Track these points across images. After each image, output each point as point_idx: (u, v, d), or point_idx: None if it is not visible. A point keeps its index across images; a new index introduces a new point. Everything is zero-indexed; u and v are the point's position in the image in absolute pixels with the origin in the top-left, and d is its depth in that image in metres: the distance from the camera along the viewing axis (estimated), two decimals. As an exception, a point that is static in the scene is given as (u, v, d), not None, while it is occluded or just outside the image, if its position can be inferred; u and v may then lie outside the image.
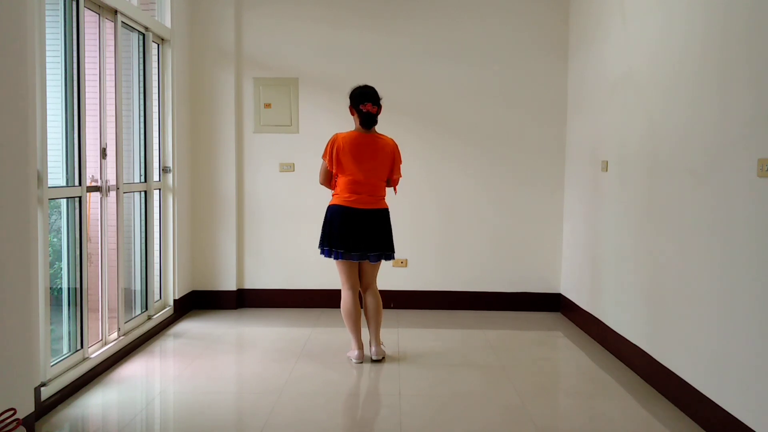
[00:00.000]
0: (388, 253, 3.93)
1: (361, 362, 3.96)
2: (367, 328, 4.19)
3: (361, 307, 4.07)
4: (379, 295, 4.08)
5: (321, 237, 3.93)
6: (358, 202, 3.85)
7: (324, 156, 3.93)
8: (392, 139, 4.01)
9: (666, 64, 3.51)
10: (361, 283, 4.03)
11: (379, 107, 3.90)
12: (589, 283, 4.68)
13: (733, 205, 2.82)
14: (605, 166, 4.36)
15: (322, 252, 3.91)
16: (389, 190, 4.11)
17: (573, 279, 5.06)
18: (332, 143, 3.91)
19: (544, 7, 5.26)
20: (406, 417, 3.14)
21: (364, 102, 3.86)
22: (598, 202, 4.51)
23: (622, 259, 4.05)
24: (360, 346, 3.98)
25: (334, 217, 3.87)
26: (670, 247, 3.41)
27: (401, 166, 4.03)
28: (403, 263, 5.36)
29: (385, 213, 3.95)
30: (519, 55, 5.28)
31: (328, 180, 3.99)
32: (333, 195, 3.96)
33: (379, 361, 3.99)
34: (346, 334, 4.49)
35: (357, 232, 3.84)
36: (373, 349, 4.00)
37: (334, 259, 3.89)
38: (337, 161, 3.87)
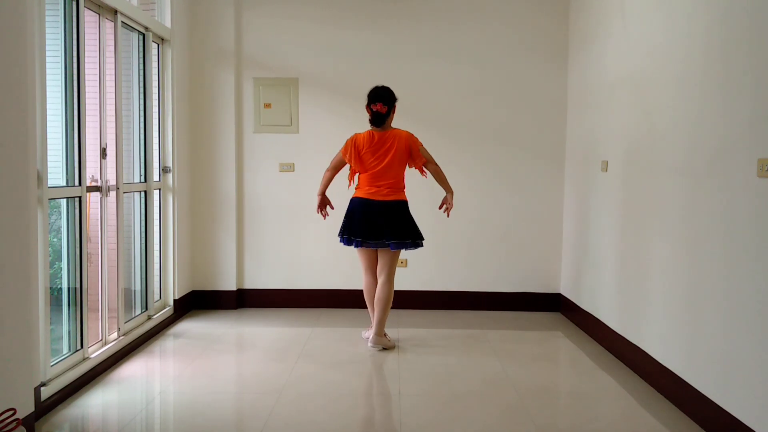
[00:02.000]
0: (406, 241, 4.14)
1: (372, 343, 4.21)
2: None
3: None
4: (390, 287, 4.25)
5: (341, 227, 4.25)
6: (378, 194, 4.15)
7: (342, 151, 4.25)
8: (406, 132, 4.24)
9: (666, 65, 3.51)
10: (377, 269, 4.30)
11: (390, 106, 4.19)
12: (589, 283, 4.68)
13: (733, 205, 2.82)
14: (605, 166, 4.36)
15: (342, 240, 4.22)
16: (414, 174, 4.36)
17: (573, 279, 5.06)
18: (353, 141, 4.22)
19: (543, 8, 5.26)
20: (406, 417, 3.14)
21: (375, 102, 4.16)
22: (598, 202, 4.51)
23: (622, 259, 4.05)
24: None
25: (356, 209, 4.19)
26: (669, 248, 3.41)
27: (423, 148, 4.22)
28: (403, 263, 5.36)
29: (402, 204, 4.21)
30: (519, 55, 5.28)
31: (333, 169, 4.32)
32: (356, 189, 4.28)
33: (380, 350, 4.21)
34: (346, 333, 4.54)
35: (375, 222, 4.12)
36: (372, 335, 4.25)
37: (354, 246, 4.19)
38: (357, 158, 4.19)
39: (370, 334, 4.28)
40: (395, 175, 4.17)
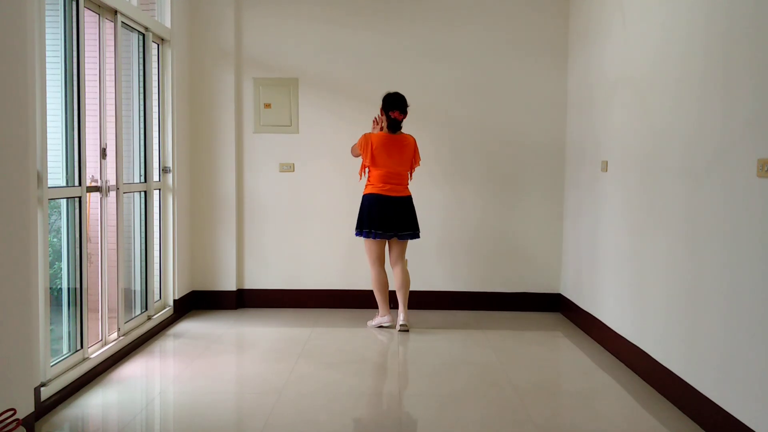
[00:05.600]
0: (415, 232, 4.69)
1: (393, 325, 4.71)
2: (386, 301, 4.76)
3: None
4: (407, 271, 4.74)
5: (358, 222, 4.66)
6: (392, 191, 4.61)
7: (359, 146, 4.68)
8: (412, 136, 4.74)
9: (666, 64, 3.51)
10: (391, 260, 4.75)
11: (405, 114, 4.65)
12: (589, 283, 4.68)
13: (733, 205, 2.82)
14: (605, 166, 4.36)
15: (360, 234, 4.63)
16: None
17: (573, 279, 5.06)
18: (367, 140, 4.64)
19: (543, 8, 5.26)
20: (406, 417, 3.14)
21: (393, 109, 4.59)
22: (598, 202, 4.51)
23: (622, 260, 4.05)
24: (389, 312, 4.72)
25: (372, 204, 4.59)
26: (669, 248, 3.41)
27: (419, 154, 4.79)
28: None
29: (410, 199, 4.72)
30: (519, 55, 5.28)
31: (356, 155, 4.82)
32: (366, 185, 4.69)
33: (406, 331, 4.63)
34: (346, 333, 4.53)
35: (391, 216, 4.58)
36: (402, 316, 4.66)
37: (372, 239, 4.60)
38: (372, 156, 4.60)
39: (377, 321, 4.73)
40: (405, 173, 4.68)
